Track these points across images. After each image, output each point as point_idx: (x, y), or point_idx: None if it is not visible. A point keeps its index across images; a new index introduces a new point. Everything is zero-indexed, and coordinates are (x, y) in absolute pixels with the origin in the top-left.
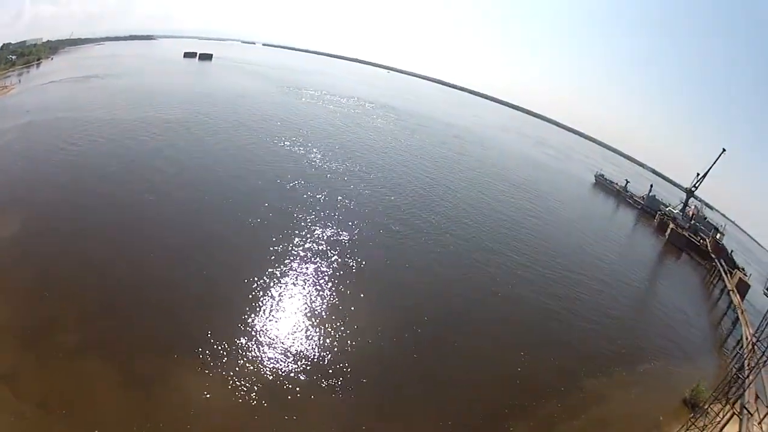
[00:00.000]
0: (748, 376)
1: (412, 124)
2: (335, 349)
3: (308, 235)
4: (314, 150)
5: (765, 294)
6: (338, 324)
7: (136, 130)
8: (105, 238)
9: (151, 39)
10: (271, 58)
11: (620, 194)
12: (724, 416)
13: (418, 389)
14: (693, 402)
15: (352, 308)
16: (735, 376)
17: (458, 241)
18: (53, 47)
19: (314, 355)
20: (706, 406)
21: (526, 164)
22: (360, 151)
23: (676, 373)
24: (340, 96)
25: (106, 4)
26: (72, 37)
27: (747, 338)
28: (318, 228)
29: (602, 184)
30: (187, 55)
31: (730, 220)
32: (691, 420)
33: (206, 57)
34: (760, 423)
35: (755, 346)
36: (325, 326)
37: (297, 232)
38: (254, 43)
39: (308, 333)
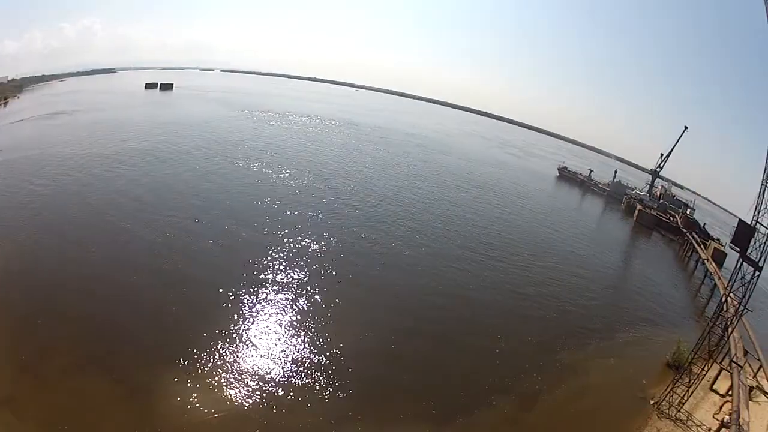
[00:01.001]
0: (728, 328)
1: (375, 137)
2: (319, 349)
3: (284, 250)
4: (282, 170)
5: (731, 247)
6: (320, 328)
7: (107, 164)
8: (90, 264)
9: (113, 72)
10: (231, 83)
11: (585, 184)
12: (706, 372)
13: (401, 376)
14: (676, 364)
15: (332, 313)
16: (719, 335)
17: (429, 244)
18: (18, 86)
19: (299, 357)
20: (688, 364)
21: (489, 165)
22: (325, 167)
23: (656, 341)
24: (304, 116)
25: (68, 39)
26: (37, 74)
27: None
28: (292, 242)
29: (566, 176)
30: (149, 86)
31: (703, 197)
32: (677, 379)
33: (167, 87)
34: (754, 376)
35: (728, 298)
36: (307, 331)
37: (273, 247)
38: (213, 70)
39: (291, 338)
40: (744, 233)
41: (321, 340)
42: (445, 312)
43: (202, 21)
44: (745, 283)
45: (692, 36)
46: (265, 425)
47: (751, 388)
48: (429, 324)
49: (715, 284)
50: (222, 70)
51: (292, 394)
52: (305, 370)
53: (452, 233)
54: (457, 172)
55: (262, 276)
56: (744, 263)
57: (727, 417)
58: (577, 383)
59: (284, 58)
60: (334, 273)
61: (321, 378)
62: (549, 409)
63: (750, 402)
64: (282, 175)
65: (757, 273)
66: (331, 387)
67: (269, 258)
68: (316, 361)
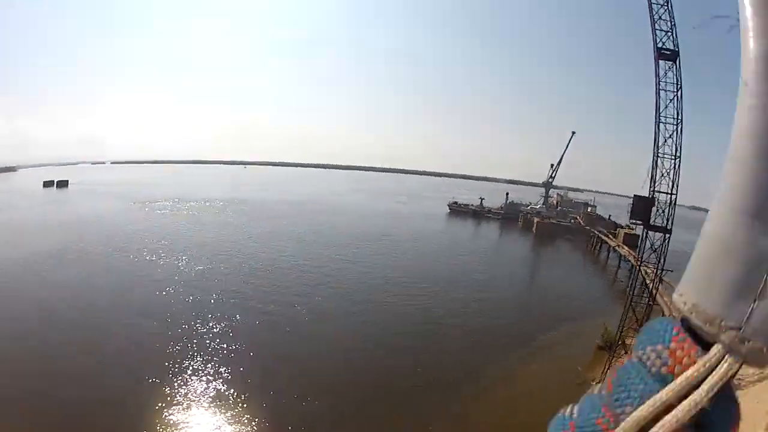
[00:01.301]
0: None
1: (264, 213)
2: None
3: (188, 336)
4: (176, 257)
5: (633, 223)
6: (235, 408)
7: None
8: (18, 387)
9: (13, 171)
10: (121, 175)
11: (477, 213)
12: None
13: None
14: (608, 345)
15: (244, 390)
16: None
17: (326, 305)
18: None
19: None
20: (619, 336)
21: (380, 217)
22: (219, 247)
23: (581, 334)
24: (193, 201)
25: None
26: None
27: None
28: (195, 327)
29: (457, 210)
30: (46, 184)
31: (606, 193)
32: (611, 355)
33: (63, 184)
34: None
35: (640, 268)
36: (225, 414)
37: (177, 336)
38: (104, 163)
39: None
40: (641, 206)
41: (240, 419)
42: (350, 367)
43: (94, 115)
44: (656, 249)
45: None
46: None
47: None
48: (336, 382)
49: (632, 264)
50: (112, 162)
51: None
52: None
53: (349, 290)
54: (349, 230)
55: (170, 366)
56: (650, 232)
57: None
58: (507, 395)
59: (174, 144)
60: (242, 349)
61: None
62: (484, 425)
63: None
64: (177, 262)
65: (667, 236)
66: None
67: (175, 349)
68: None
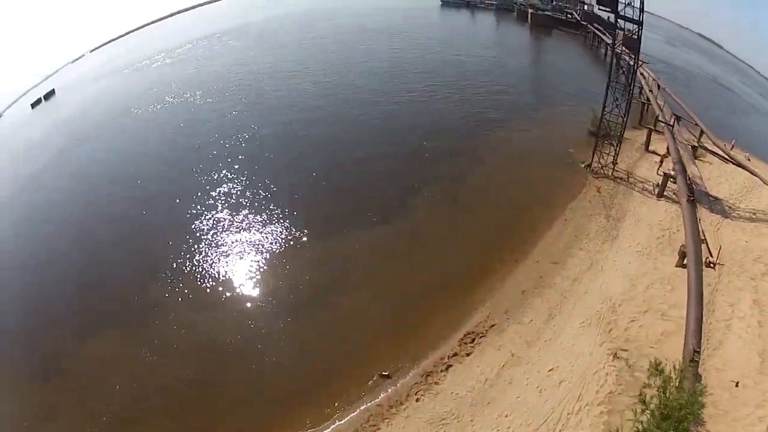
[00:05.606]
0: (630, 78)
1: None
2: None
3: None
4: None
5: (600, 9)
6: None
7: None
8: None
9: None
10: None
11: (470, 4)
12: (622, 131)
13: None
14: (601, 132)
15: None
16: (629, 91)
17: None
18: None
19: None
20: (601, 123)
21: (370, 16)
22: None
23: (575, 114)
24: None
25: None
26: None
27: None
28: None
29: (449, 2)
30: (34, 105)
31: None
32: (599, 141)
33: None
34: (698, 140)
35: (615, 54)
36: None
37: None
38: (82, 56)
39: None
40: None
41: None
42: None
43: None
44: (632, 35)
45: None
46: None
47: (695, 148)
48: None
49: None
50: (91, 51)
51: None
52: None
53: (363, 89)
54: (347, 33)
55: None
56: (622, 22)
57: (672, 170)
58: (503, 155)
59: None
60: None
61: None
62: (483, 177)
63: (698, 161)
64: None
65: (638, 28)
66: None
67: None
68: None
